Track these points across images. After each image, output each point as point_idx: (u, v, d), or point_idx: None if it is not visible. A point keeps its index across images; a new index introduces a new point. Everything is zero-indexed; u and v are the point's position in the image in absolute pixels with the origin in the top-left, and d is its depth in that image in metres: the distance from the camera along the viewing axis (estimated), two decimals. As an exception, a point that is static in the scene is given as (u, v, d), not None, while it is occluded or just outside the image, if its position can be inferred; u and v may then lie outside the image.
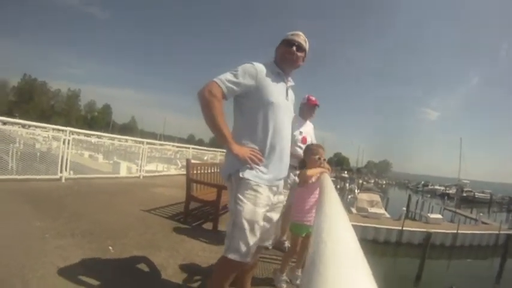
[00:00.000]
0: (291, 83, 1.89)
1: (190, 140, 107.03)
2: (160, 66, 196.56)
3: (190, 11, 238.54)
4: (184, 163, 11.62)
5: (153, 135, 70.98)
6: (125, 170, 7.90)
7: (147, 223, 3.74)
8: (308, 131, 3.23)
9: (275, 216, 1.86)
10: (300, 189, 2.33)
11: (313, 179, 2.22)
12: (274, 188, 1.77)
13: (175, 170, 10.70)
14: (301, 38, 1.87)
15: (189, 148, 11.64)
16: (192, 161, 4.66)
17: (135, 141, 10.31)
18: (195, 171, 4.34)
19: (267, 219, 1.77)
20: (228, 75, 1.64)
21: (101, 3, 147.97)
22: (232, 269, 1.68)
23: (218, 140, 1.70)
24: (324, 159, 2.33)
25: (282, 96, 1.79)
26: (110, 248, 2.77)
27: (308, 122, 3.26)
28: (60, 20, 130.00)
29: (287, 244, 3.28)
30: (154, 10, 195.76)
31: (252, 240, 1.62)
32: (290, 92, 1.90)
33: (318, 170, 2.23)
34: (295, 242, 2.38)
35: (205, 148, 13.93)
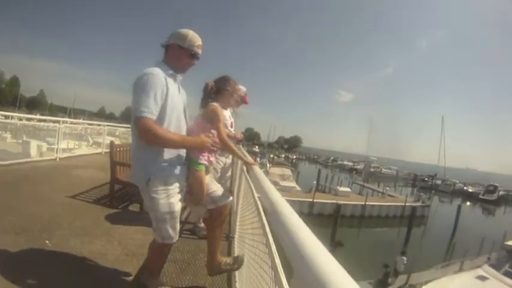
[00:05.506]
0: (180, 77, 2.03)
1: (101, 113, 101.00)
2: (74, 35, 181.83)
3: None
4: (96, 139, 11.24)
5: (63, 110, 65.60)
6: (35, 149, 7.28)
7: (76, 210, 3.84)
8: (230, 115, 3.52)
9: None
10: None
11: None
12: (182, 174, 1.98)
13: (87, 148, 10.23)
14: (202, 47, 1.99)
15: (104, 126, 11.08)
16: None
17: (51, 120, 9.69)
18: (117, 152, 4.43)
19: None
20: (150, 102, 1.70)
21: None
22: (168, 249, 2.09)
23: (188, 148, 1.94)
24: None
25: (176, 95, 1.91)
26: (47, 241, 2.83)
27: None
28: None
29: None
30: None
31: (175, 222, 1.95)
32: (180, 87, 2.03)
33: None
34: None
35: (117, 124, 14.84)
